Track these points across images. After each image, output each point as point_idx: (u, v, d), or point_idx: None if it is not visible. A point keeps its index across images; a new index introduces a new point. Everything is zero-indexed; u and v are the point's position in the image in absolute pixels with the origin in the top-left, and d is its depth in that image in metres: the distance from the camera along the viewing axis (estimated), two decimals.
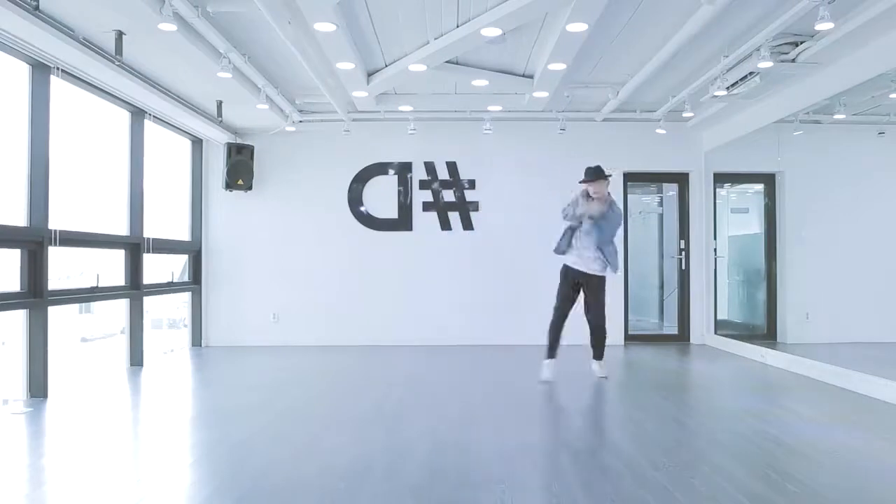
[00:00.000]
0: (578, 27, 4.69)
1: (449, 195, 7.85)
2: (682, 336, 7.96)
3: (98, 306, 6.41)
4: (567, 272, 5.55)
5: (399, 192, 7.86)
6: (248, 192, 7.70)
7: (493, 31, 4.88)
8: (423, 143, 7.75)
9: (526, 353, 7.02)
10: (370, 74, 6.17)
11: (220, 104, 6.65)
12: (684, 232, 7.97)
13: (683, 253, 7.96)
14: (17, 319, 4.80)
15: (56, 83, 4.93)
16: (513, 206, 7.80)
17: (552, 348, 5.51)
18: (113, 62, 4.89)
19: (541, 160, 7.79)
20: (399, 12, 4.80)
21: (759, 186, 7.81)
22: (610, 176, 5.52)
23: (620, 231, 5.77)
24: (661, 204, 8.68)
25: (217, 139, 7.57)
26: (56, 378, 5.02)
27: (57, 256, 5.02)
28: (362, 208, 7.86)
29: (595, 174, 5.42)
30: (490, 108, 7.15)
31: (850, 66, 5.14)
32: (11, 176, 4.77)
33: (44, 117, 4.84)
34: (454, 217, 7.85)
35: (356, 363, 6.51)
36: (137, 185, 6.30)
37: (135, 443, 3.83)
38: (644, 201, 8.95)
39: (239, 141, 7.71)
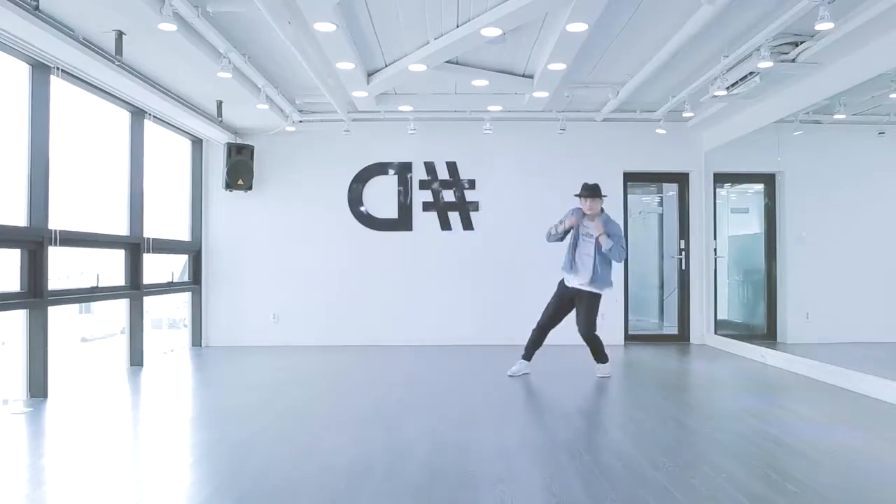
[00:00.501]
0: (578, 27, 4.69)
1: (449, 195, 7.85)
2: (682, 336, 7.96)
3: (98, 306, 6.41)
4: (562, 288, 5.61)
5: (399, 192, 7.86)
6: (248, 192, 7.70)
7: (493, 31, 4.88)
8: (423, 143, 7.75)
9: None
10: (370, 74, 6.17)
11: (220, 104, 6.65)
12: (684, 232, 7.97)
13: (683, 253, 7.97)
14: (17, 319, 4.80)
15: (56, 83, 4.93)
16: (513, 206, 7.80)
17: (529, 351, 5.73)
18: (113, 62, 4.89)
19: (541, 160, 7.79)
20: (399, 12, 4.80)
21: (759, 186, 7.81)
22: (605, 196, 5.56)
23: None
24: (661, 204, 8.68)
25: (217, 139, 7.57)
26: (56, 378, 5.02)
27: (57, 256, 5.02)
28: (362, 208, 7.86)
29: (592, 192, 5.44)
30: (490, 108, 7.15)
31: (850, 66, 5.14)
32: (11, 176, 4.77)
33: (44, 117, 4.84)
34: (454, 217, 7.85)
35: (356, 363, 6.51)
36: (137, 185, 6.30)
37: (135, 443, 3.83)
38: (644, 201, 8.95)
39: (239, 141, 7.71)
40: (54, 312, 5.02)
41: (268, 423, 4.07)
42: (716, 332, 7.69)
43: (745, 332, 7.83)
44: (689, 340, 7.90)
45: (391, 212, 7.85)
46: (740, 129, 7.02)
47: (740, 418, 4.15)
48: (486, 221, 7.83)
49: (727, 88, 5.55)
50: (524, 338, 7.35)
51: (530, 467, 3.17)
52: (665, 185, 8.48)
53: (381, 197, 7.86)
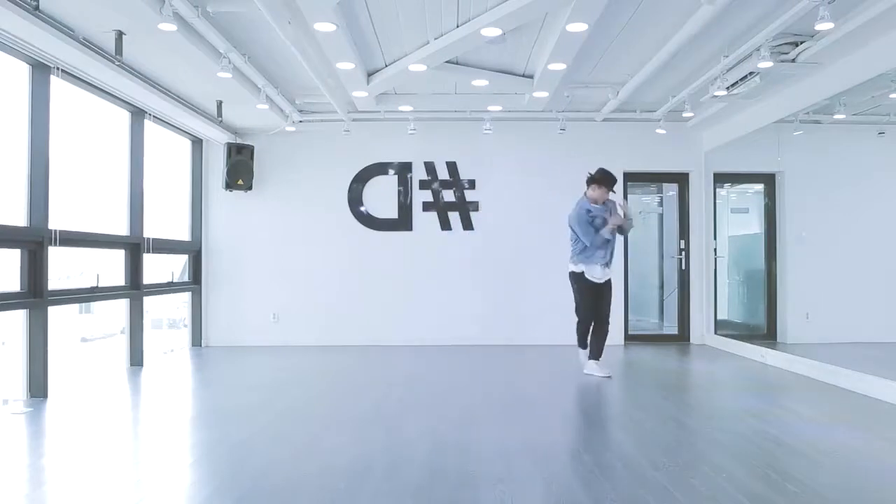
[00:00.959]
0: (578, 27, 4.69)
1: (449, 195, 7.85)
2: (682, 336, 7.96)
3: (98, 306, 6.41)
4: (590, 285, 5.58)
5: (399, 192, 7.86)
6: (248, 192, 7.70)
7: (493, 31, 4.88)
8: (423, 143, 7.75)
9: (526, 352, 7.03)
10: (370, 74, 6.17)
11: (220, 104, 6.65)
12: (684, 232, 7.97)
13: (683, 253, 7.96)
14: (17, 319, 4.80)
15: (56, 83, 4.93)
16: (513, 206, 7.80)
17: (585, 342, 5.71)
18: (113, 62, 4.89)
19: (541, 160, 7.79)
20: (399, 12, 4.80)
21: (759, 186, 7.81)
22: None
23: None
24: (661, 204, 8.68)
25: (217, 139, 7.57)
26: (56, 378, 5.02)
27: (57, 256, 5.02)
28: (362, 208, 7.86)
29: (612, 180, 5.57)
30: (490, 108, 7.15)
31: (850, 66, 5.13)
32: (11, 176, 4.77)
33: (44, 117, 4.84)
34: (454, 217, 7.85)
35: (356, 363, 6.51)
36: (137, 185, 6.30)
37: (135, 443, 3.83)
38: (644, 201, 8.94)
39: (239, 141, 7.71)
40: (54, 312, 5.02)
41: (268, 423, 4.07)
42: (716, 332, 7.69)
43: (745, 332, 7.82)
44: (689, 340, 7.90)
45: (391, 212, 7.85)
46: (740, 129, 7.02)
47: (740, 418, 4.15)
48: (486, 221, 7.83)
49: (727, 88, 5.55)
50: (524, 338, 7.37)
51: (530, 467, 3.17)
52: (665, 185, 8.48)
53: (381, 197, 7.86)
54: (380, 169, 7.87)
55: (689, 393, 5.31)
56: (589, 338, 5.64)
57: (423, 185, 7.86)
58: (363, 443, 3.61)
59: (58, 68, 4.84)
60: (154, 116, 6.43)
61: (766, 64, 4.95)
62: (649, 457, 3.30)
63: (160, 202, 6.83)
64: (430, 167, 7.86)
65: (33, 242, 4.82)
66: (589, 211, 5.51)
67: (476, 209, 7.84)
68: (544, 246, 7.54)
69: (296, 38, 4.84)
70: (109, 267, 6.04)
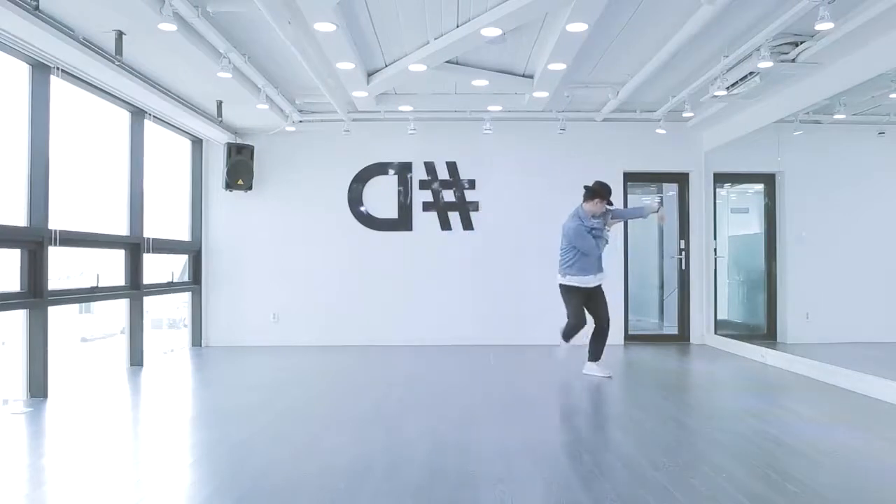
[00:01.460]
0: (578, 27, 4.69)
1: (449, 195, 7.85)
2: (682, 336, 7.96)
3: (98, 306, 6.41)
4: (581, 291, 5.58)
5: (399, 192, 7.86)
6: (248, 192, 7.70)
7: (493, 31, 4.88)
8: (423, 143, 7.75)
9: (526, 352, 7.03)
10: (370, 74, 6.17)
11: (220, 104, 6.65)
12: (684, 232, 7.97)
13: (683, 253, 7.97)
14: (17, 319, 4.80)
15: (56, 83, 4.93)
16: (513, 206, 7.80)
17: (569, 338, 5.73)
18: (113, 62, 4.89)
19: (541, 160, 7.79)
20: (399, 12, 4.80)
21: (759, 186, 7.81)
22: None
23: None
24: (661, 204, 8.67)
25: (217, 139, 7.57)
26: (56, 378, 5.02)
27: (57, 256, 5.02)
28: (362, 208, 7.86)
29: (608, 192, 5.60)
30: (490, 108, 7.15)
31: (850, 66, 5.13)
32: (11, 176, 4.77)
33: (44, 117, 4.84)
34: (454, 217, 7.85)
35: (356, 363, 6.51)
36: (137, 185, 6.30)
37: (135, 443, 3.83)
38: (644, 201, 8.94)
39: (239, 141, 7.71)
40: (54, 312, 5.02)
41: (268, 423, 4.07)
42: (716, 332, 7.69)
43: (745, 332, 7.82)
44: (689, 340, 7.90)
45: (391, 212, 7.85)
46: (740, 129, 7.02)
47: (740, 418, 4.15)
48: (486, 221, 7.83)
49: (727, 88, 5.55)
50: (524, 338, 7.36)
51: (530, 467, 3.17)
52: (665, 185, 8.48)
53: (381, 197, 7.86)
54: (380, 169, 7.87)
55: (689, 393, 5.31)
56: (587, 340, 5.66)
57: (423, 185, 7.86)
58: (363, 443, 3.62)
59: (58, 68, 4.84)
60: (154, 116, 6.43)
61: (766, 64, 4.95)
62: (649, 457, 3.30)
63: (160, 202, 6.83)
64: (430, 167, 7.86)
65: (33, 242, 4.82)
66: (592, 229, 5.50)
67: (476, 209, 7.84)
68: (544, 246, 7.51)
69: (296, 38, 4.84)
70: (109, 267, 6.04)
